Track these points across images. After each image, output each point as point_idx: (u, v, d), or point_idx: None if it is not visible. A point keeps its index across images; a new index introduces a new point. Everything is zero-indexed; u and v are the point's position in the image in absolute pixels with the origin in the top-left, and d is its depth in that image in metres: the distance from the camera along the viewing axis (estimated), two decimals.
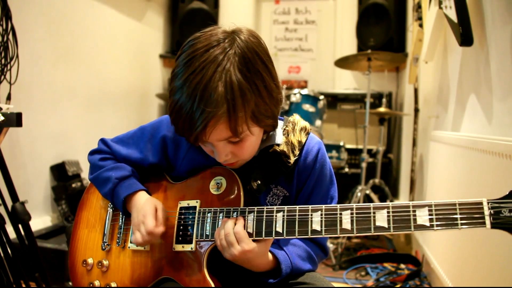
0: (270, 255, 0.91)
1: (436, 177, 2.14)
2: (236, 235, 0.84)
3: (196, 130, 0.80)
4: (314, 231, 0.82)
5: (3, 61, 1.51)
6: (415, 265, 2.41)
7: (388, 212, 0.77)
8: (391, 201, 3.10)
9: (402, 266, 2.44)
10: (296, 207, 0.85)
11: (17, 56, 1.55)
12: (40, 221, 2.42)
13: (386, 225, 0.77)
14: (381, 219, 0.78)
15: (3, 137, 1.49)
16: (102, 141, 1.09)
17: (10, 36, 1.53)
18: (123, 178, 1.00)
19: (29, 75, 2.31)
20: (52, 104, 2.55)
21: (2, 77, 1.51)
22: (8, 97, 1.59)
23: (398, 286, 2.17)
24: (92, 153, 1.09)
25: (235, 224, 0.86)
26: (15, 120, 1.44)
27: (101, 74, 3.05)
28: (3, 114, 1.43)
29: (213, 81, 0.78)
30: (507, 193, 0.72)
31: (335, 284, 2.20)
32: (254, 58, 0.82)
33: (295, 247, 0.96)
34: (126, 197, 0.98)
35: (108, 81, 3.15)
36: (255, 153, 0.93)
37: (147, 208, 0.94)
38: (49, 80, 2.50)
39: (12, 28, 1.53)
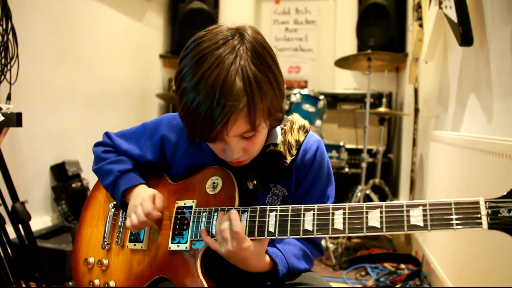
0: (267, 257, 0.90)
1: (436, 177, 2.14)
2: (235, 235, 0.83)
3: (217, 127, 0.79)
4: (305, 231, 0.81)
5: (3, 61, 1.51)
6: (415, 265, 2.41)
7: (381, 212, 0.76)
8: (391, 201, 3.10)
9: (402, 266, 2.44)
10: (289, 207, 0.84)
11: (17, 56, 1.55)
12: (40, 221, 2.42)
13: (378, 226, 0.76)
14: (373, 219, 0.76)
15: (3, 137, 1.49)
16: (106, 134, 1.11)
17: (10, 36, 1.53)
18: (125, 171, 1.01)
19: (29, 75, 2.31)
20: (52, 104, 2.55)
21: (2, 77, 1.51)
22: (8, 97, 1.59)
23: (398, 286, 2.17)
24: (96, 145, 1.11)
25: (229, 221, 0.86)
26: (15, 120, 1.44)
27: (101, 74, 3.05)
28: (3, 114, 1.43)
29: (231, 75, 0.78)
30: (506, 192, 0.69)
31: (335, 284, 2.20)
32: (264, 53, 0.84)
33: (290, 246, 0.96)
34: (126, 189, 0.99)
35: (108, 81, 3.14)
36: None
37: (145, 193, 0.96)
38: (49, 80, 2.50)
39: (12, 28, 1.53)
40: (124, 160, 1.04)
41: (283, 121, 0.99)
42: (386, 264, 2.47)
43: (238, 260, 0.86)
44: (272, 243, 0.96)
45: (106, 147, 1.09)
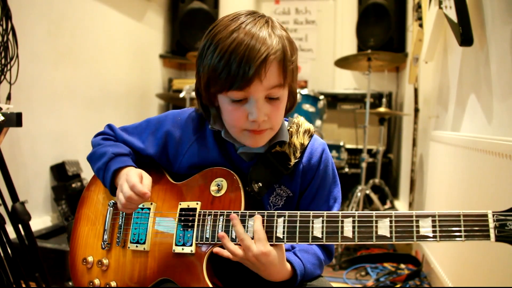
0: (288, 265, 0.89)
1: (436, 177, 2.14)
2: (255, 234, 0.83)
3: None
4: (315, 238, 0.81)
5: (3, 61, 1.51)
6: (415, 265, 2.41)
7: (390, 221, 0.77)
8: (391, 201, 3.11)
9: (402, 266, 2.44)
10: (297, 213, 0.84)
11: (17, 56, 1.55)
12: (40, 221, 2.42)
13: (388, 235, 0.76)
14: (383, 228, 0.77)
15: (3, 137, 1.49)
16: (108, 126, 1.09)
17: (10, 36, 1.53)
18: (119, 154, 0.99)
19: (29, 75, 2.31)
20: (52, 104, 2.55)
21: (2, 77, 1.51)
22: (8, 97, 1.59)
23: (398, 286, 2.17)
24: (96, 135, 1.10)
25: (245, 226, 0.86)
26: (15, 120, 1.44)
27: (101, 74, 3.05)
28: (3, 114, 1.43)
29: (265, 30, 0.84)
30: None
31: (335, 284, 2.20)
32: (285, 29, 0.90)
33: (308, 255, 0.95)
34: (116, 170, 0.96)
35: (108, 81, 3.14)
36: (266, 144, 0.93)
37: (131, 171, 0.94)
38: (49, 80, 2.50)
39: (12, 28, 1.53)
40: (120, 145, 1.03)
41: (288, 123, 0.99)
42: (386, 264, 2.47)
43: (261, 267, 0.85)
44: (289, 246, 0.95)
45: (106, 136, 1.07)
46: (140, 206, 1.00)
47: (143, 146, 1.03)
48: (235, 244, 0.85)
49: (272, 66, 0.82)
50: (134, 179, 0.90)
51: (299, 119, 1.01)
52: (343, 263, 2.49)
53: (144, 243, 0.97)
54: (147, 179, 0.94)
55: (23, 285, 1.50)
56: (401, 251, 2.72)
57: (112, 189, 0.98)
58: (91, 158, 1.04)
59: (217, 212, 0.90)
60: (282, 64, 0.84)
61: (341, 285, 2.25)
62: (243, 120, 0.87)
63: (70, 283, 1.92)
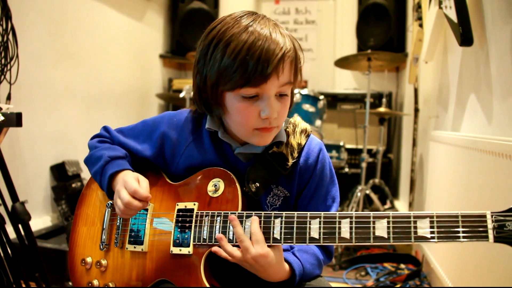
0: (286, 265, 0.89)
1: (436, 177, 2.14)
2: (252, 236, 0.83)
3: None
4: (312, 239, 0.81)
5: (3, 61, 1.51)
6: (415, 265, 2.41)
7: (388, 222, 0.76)
8: (391, 201, 3.10)
9: (402, 266, 2.44)
10: (294, 213, 0.84)
11: (17, 56, 1.55)
12: (40, 221, 2.42)
13: (385, 236, 0.76)
14: (380, 228, 0.77)
15: (3, 137, 1.49)
16: (104, 128, 1.10)
17: (10, 36, 1.53)
18: (115, 158, 0.99)
19: (29, 75, 2.31)
20: (52, 104, 2.55)
21: (2, 77, 1.51)
22: (8, 97, 1.59)
23: (398, 286, 2.17)
24: (92, 137, 1.10)
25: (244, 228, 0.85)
26: (15, 120, 1.44)
27: (101, 74, 3.05)
28: (3, 114, 1.43)
29: (277, 29, 0.86)
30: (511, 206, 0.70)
31: (335, 284, 2.20)
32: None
33: (307, 255, 0.94)
34: (112, 174, 0.96)
35: (108, 81, 3.14)
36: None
37: (128, 176, 0.94)
38: (49, 80, 2.50)
39: (12, 28, 1.53)
40: (116, 148, 1.02)
41: (285, 123, 0.99)
42: (386, 264, 2.47)
43: (259, 269, 0.85)
44: (290, 247, 0.95)
45: (102, 138, 1.08)
46: None
47: (140, 148, 1.03)
48: (233, 246, 0.85)
49: (286, 63, 0.85)
50: (134, 185, 0.90)
51: (295, 119, 1.01)
52: (343, 263, 2.49)
53: (142, 244, 0.97)
54: (145, 182, 0.94)
55: (23, 285, 1.50)
56: (401, 251, 2.71)
57: (110, 193, 0.98)
58: (88, 162, 1.04)
59: (214, 213, 0.90)
60: (294, 63, 0.87)
61: (341, 285, 2.25)
62: (255, 118, 0.87)
63: (70, 283, 1.92)
